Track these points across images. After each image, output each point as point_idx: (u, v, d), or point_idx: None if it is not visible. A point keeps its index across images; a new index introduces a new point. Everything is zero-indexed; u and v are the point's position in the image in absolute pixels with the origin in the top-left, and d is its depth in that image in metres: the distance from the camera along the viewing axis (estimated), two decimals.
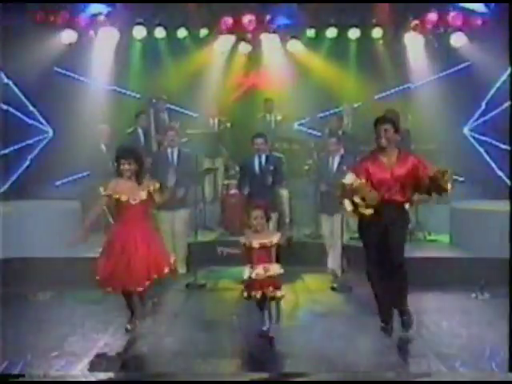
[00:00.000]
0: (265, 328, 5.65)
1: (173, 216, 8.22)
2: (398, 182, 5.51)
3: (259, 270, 5.56)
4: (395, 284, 5.68)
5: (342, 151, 8.41)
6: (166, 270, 5.85)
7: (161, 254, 5.88)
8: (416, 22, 10.90)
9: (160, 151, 9.00)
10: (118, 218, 5.96)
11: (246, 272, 5.64)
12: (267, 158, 8.30)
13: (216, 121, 10.64)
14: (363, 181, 5.36)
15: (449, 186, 5.43)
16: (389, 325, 5.69)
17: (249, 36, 11.37)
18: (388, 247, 5.58)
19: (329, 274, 8.09)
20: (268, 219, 5.78)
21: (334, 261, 8.14)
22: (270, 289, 5.57)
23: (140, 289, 5.74)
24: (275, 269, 5.61)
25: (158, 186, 5.97)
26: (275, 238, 5.66)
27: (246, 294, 5.66)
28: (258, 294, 5.57)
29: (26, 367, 4.94)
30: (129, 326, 5.87)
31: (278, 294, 5.63)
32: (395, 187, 5.51)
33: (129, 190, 5.79)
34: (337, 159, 8.11)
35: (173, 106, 11.09)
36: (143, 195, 5.82)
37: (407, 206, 5.74)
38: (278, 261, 5.73)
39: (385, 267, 5.60)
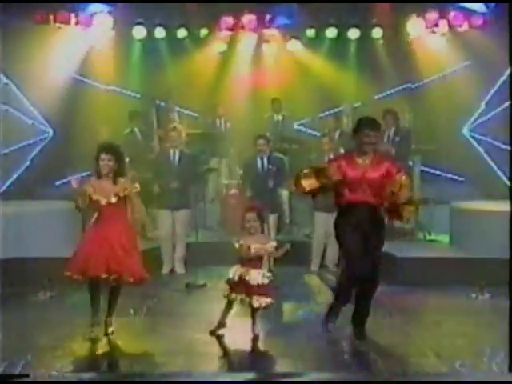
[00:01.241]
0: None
1: (173, 216, 8.24)
2: (369, 184, 5.45)
3: (242, 271, 5.55)
4: (359, 299, 5.65)
5: (341, 150, 8.45)
6: (131, 280, 5.70)
7: (135, 263, 5.72)
8: (416, 21, 10.91)
9: (162, 151, 9.02)
10: (94, 219, 5.79)
11: (230, 271, 5.63)
12: (269, 158, 8.34)
13: (222, 121, 10.65)
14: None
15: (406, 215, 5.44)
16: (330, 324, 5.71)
17: (249, 36, 11.38)
18: (364, 258, 5.47)
19: (316, 273, 8.22)
20: (263, 221, 5.75)
21: (332, 258, 8.25)
22: (239, 296, 5.55)
23: (131, 280, 5.65)
24: (257, 277, 5.54)
25: (137, 188, 5.78)
26: (270, 247, 5.62)
27: (225, 293, 5.65)
28: (231, 297, 5.58)
29: (27, 367, 4.93)
30: (92, 334, 5.65)
31: (231, 294, 5.57)
32: (367, 189, 5.45)
33: (102, 189, 5.64)
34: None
35: (167, 105, 11.07)
36: (113, 199, 5.62)
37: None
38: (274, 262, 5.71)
39: (363, 269, 5.49)
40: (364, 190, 5.45)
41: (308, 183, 5.44)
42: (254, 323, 5.63)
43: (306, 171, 5.48)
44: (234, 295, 5.57)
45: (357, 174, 5.46)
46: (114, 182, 5.68)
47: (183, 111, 11.39)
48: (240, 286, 5.53)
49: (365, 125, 5.53)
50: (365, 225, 5.47)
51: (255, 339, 5.56)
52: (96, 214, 5.76)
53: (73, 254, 5.79)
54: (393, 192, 5.42)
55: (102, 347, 5.50)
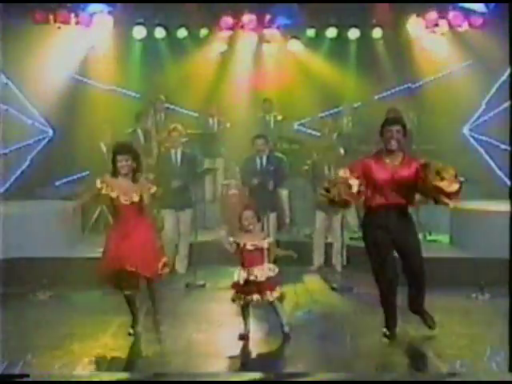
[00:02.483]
0: (243, 332, 5.63)
1: (177, 215, 8.23)
2: (399, 185, 5.39)
3: (243, 274, 5.53)
4: (413, 289, 5.67)
5: (341, 151, 8.47)
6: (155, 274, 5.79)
7: (153, 258, 5.78)
8: (416, 21, 10.91)
9: (163, 152, 9.00)
10: (114, 218, 5.90)
11: (236, 274, 5.62)
12: (268, 158, 8.35)
13: (216, 121, 10.64)
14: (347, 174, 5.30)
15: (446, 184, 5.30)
16: (393, 332, 5.63)
17: (249, 36, 11.38)
18: (403, 254, 5.52)
19: (316, 273, 8.24)
20: (259, 219, 5.77)
21: (334, 258, 8.28)
22: (254, 295, 5.53)
23: (147, 274, 5.71)
24: (263, 273, 5.55)
25: (154, 189, 5.80)
26: (265, 243, 5.62)
27: (234, 297, 5.64)
28: (241, 299, 5.57)
29: (26, 367, 4.93)
30: (131, 330, 5.81)
31: (254, 297, 5.54)
32: (397, 190, 5.40)
33: (122, 188, 5.65)
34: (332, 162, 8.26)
35: (173, 106, 11.09)
36: (135, 197, 5.65)
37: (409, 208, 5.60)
38: (274, 261, 5.71)
39: (394, 271, 5.54)
40: (393, 192, 5.39)
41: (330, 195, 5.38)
42: (278, 315, 5.63)
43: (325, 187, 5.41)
44: (248, 297, 5.54)
45: (386, 174, 5.40)
46: (134, 181, 5.70)
47: (183, 111, 11.41)
48: (250, 286, 5.52)
49: (385, 121, 5.54)
50: (394, 227, 5.42)
51: (285, 338, 5.56)
52: (116, 216, 5.82)
53: (101, 256, 5.81)
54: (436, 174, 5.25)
55: (101, 347, 5.50)
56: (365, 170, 5.43)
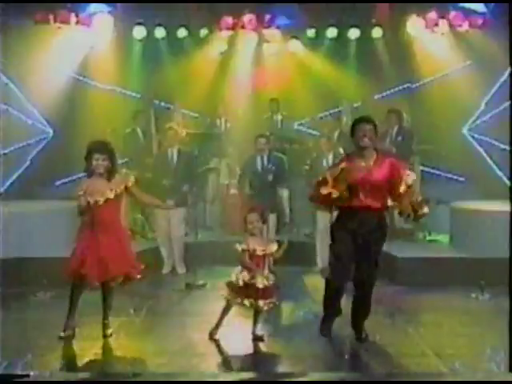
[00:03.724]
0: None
1: (168, 214, 8.21)
2: (372, 187, 5.28)
3: (247, 275, 5.52)
4: (357, 302, 5.60)
5: (340, 151, 8.45)
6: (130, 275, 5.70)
7: (127, 260, 5.70)
8: (416, 21, 10.91)
9: (160, 151, 9.02)
10: (87, 220, 5.71)
11: (233, 275, 5.60)
12: (268, 158, 8.35)
13: (223, 121, 10.65)
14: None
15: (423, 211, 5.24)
16: (329, 334, 5.63)
17: (249, 36, 11.39)
18: (360, 260, 5.39)
19: (316, 272, 8.22)
20: (264, 221, 5.73)
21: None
22: (247, 300, 5.52)
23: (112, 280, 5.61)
24: (263, 279, 5.53)
25: (133, 180, 5.72)
26: (271, 248, 5.59)
27: (228, 297, 5.61)
28: (240, 301, 5.55)
29: (26, 367, 4.93)
30: (64, 334, 5.62)
31: (246, 303, 5.54)
32: (370, 192, 5.28)
33: (98, 189, 5.56)
34: (331, 158, 8.23)
35: (172, 106, 11.10)
36: (110, 194, 5.56)
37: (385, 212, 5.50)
38: (274, 262, 5.72)
39: (353, 277, 5.46)
40: (367, 194, 5.27)
41: (324, 189, 5.29)
42: (255, 325, 5.63)
43: (320, 178, 5.37)
44: (239, 299, 5.52)
45: (359, 176, 5.27)
46: (109, 180, 5.62)
47: (183, 111, 11.40)
48: (246, 289, 5.50)
49: (357, 120, 5.43)
50: (365, 231, 5.30)
51: (257, 340, 5.56)
52: (88, 216, 5.68)
53: (71, 257, 5.75)
54: (398, 194, 5.25)
55: (102, 347, 5.50)
56: (341, 172, 5.32)
